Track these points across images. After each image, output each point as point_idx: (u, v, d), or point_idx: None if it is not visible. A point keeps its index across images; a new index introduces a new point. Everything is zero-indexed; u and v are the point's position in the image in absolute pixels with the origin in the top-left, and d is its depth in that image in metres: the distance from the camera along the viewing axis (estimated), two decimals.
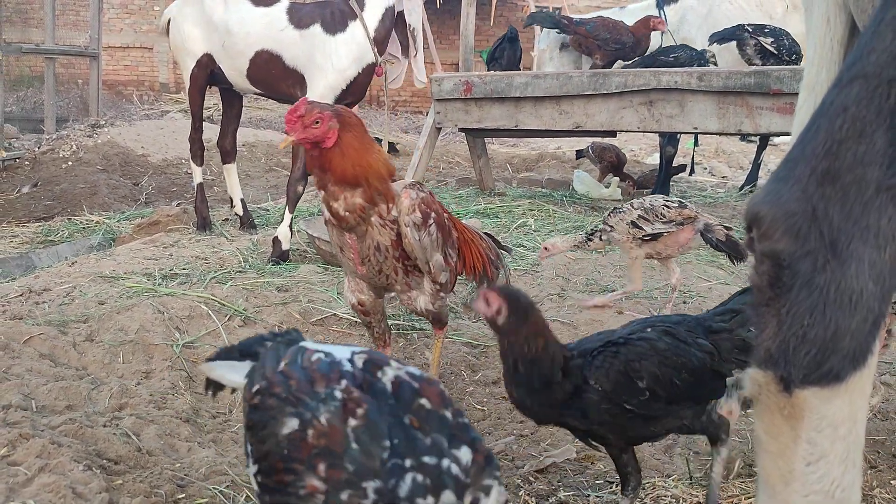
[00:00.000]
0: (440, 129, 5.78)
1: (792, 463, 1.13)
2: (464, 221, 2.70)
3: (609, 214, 3.28)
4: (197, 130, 4.90)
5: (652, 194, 6.16)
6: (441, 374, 3.03)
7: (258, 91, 4.63)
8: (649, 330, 1.75)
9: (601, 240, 3.28)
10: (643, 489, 2.16)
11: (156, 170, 8.04)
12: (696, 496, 2.11)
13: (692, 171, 7.02)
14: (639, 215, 3.18)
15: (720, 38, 5.76)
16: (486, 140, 6.64)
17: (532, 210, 5.53)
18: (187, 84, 4.78)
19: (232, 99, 5.01)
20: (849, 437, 1.12)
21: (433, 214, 2.31)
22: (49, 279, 3.44)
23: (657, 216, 3.16)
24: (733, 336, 1.74)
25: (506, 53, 7.06)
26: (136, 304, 2.90)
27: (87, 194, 6.88)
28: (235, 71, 4.53)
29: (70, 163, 7.64)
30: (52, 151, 7.87)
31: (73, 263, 3.89)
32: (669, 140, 5.63)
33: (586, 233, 3.32)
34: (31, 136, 8.89)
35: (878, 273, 1.07)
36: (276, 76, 4.41)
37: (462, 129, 6.07)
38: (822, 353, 1.09)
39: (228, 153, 5.03)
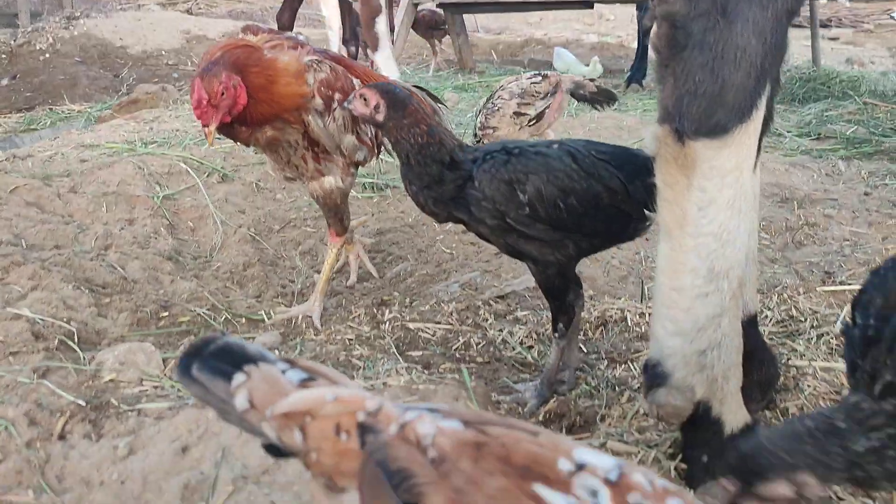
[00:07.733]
0: (417, 5, 5.73)
1: (685, 208, 1.28)
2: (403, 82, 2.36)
3: (486, 118, 3.10)
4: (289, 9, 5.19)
5: (630, 71, 6.18)
6: (412, 225, 3.19)
7: None
8: (555, 146, 1.66)
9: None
10: (593, 307, 2.35)
11: (135, 61, 7.96)
12: (640, 308, 2.30)
13: None
14: (517, 104, 3.06)
15: None
16: (471, 30, 6.57)
17: None
18: None
19: None
20: (735, 185, 1.27)
21: (337, 95, 2.04)
22: (32, 149, 3.54)
23: (534, 95, 3.06)
24: None
25: None
26: (117, 161, 3.02)
27: (68, 86, 6.85)
28: None
29: (48, 55, 7.56)
30: (29, 44, 7.77)
31: (55, 139, 3.98)
32: (646, 12, 5.60)
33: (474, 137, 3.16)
34: (5, 31, 8.74)
35: (761, 30, 1.19)
36: None
37: (440, 5, 6.00)
38: (711, 106, 1.22)
39: (285, 28, 5.29)
